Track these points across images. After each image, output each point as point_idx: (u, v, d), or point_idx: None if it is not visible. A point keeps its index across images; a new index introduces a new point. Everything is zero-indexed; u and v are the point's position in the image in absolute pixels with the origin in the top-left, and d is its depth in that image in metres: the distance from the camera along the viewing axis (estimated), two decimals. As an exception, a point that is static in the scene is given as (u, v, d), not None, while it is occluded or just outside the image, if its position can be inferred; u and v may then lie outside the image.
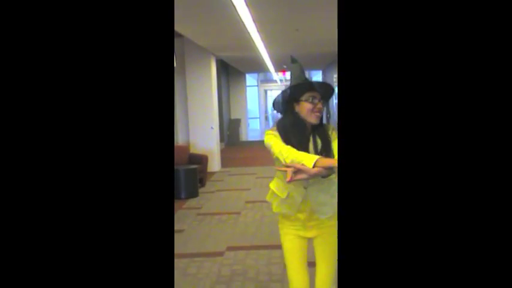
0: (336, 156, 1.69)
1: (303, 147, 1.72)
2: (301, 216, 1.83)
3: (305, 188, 1.77)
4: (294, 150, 1.66)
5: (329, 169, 1.58)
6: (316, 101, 1.73)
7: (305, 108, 1.73)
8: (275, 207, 1.89)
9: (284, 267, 3.21)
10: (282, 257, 3.40)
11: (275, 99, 1.89)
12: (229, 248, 3.67)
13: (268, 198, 1.95)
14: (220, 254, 3.55)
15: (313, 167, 1.55)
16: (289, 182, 1.59)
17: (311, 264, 1.94)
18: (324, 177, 1.64)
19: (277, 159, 1.72)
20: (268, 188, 1.94)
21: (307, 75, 1.87)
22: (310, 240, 1.91)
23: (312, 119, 1.74)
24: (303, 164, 1.57)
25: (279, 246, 3.63)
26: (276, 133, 1.77)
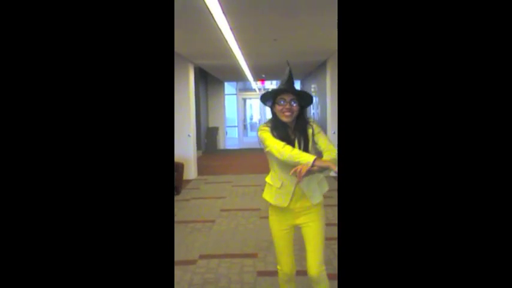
0: (324, 154, 1.98)
1: (286, 143, 1.96)
2: (292, 205, 2.07)
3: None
4: (290, 147, 1.92)
5: (324, 168, 1.86)
6: (283, 102, 1.98)
7: (277, 109, 2.01)
8: (270, 198, 2.12)
9: (257, 276, 3.21)
10: (254, 265, 3.41)
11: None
12: (202, 257, 3.63)
13: (264, 195, 2.19)
14: (193, 262, 3.50)
15: (312, 165, 1.82)
16: (301, 179, 1.84)
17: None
18: (319, 172, 1.93)
19: (270, 152, 1.99)
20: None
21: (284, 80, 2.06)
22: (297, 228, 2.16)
23: (283, 118, 2.00)
24: (306, 164, 1.83)
25: (252, 255, 3.65)
26: (268, 128, 2.03)
